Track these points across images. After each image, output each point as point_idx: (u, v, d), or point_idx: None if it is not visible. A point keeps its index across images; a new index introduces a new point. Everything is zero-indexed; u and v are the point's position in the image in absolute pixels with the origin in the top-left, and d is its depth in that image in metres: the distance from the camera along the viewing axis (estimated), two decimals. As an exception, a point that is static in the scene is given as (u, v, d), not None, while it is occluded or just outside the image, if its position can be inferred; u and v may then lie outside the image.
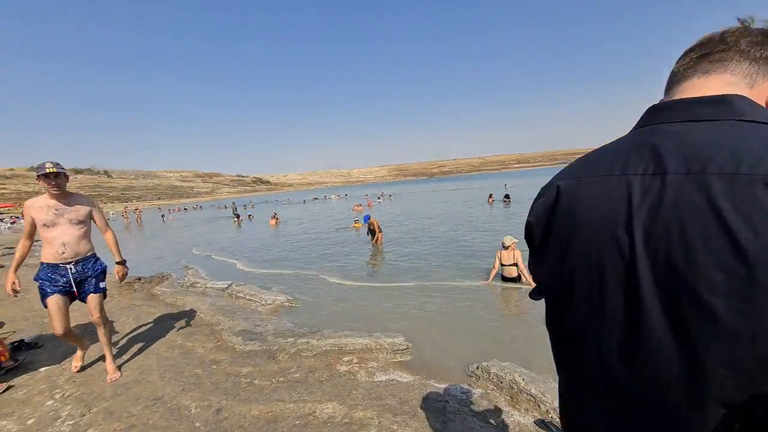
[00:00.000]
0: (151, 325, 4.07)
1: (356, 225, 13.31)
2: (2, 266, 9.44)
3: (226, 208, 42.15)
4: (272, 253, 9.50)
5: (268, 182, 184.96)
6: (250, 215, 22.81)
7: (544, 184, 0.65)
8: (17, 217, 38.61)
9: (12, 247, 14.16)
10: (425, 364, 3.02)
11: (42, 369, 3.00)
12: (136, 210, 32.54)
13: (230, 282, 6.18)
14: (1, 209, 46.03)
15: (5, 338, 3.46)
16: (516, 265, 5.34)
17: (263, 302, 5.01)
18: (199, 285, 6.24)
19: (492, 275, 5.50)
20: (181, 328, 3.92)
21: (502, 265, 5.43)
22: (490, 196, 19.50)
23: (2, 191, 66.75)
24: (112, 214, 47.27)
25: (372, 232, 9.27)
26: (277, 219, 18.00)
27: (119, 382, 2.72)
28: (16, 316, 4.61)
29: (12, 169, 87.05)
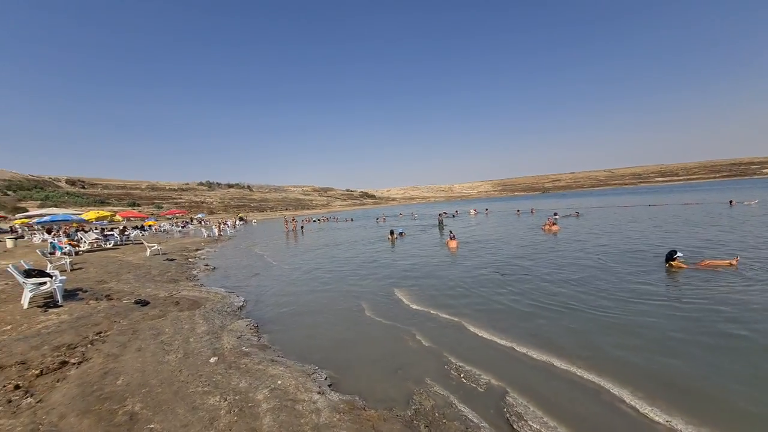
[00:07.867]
0: None
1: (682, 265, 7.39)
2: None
3: (352, 220, 40.90)
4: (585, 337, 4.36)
5: (373, 196, 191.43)
6: (402, 233, 18.95)
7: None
8: (187, 222, 44.73)
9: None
10: None
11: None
12: (293, 220, 30.20)
13: None
14: (177, 215, 54.70)
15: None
16: None
17: None
18: None
19: None
20: None
21: None
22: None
23: (179, 200, 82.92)
24: (255, 222, 52.28)
25: None
26: (458, 241, 13.30)
27: None
28: None
29: (187, 183, 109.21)
